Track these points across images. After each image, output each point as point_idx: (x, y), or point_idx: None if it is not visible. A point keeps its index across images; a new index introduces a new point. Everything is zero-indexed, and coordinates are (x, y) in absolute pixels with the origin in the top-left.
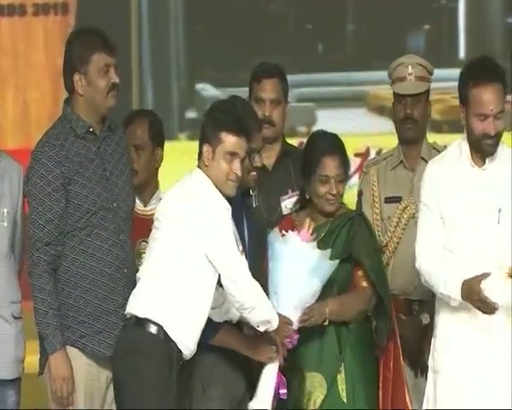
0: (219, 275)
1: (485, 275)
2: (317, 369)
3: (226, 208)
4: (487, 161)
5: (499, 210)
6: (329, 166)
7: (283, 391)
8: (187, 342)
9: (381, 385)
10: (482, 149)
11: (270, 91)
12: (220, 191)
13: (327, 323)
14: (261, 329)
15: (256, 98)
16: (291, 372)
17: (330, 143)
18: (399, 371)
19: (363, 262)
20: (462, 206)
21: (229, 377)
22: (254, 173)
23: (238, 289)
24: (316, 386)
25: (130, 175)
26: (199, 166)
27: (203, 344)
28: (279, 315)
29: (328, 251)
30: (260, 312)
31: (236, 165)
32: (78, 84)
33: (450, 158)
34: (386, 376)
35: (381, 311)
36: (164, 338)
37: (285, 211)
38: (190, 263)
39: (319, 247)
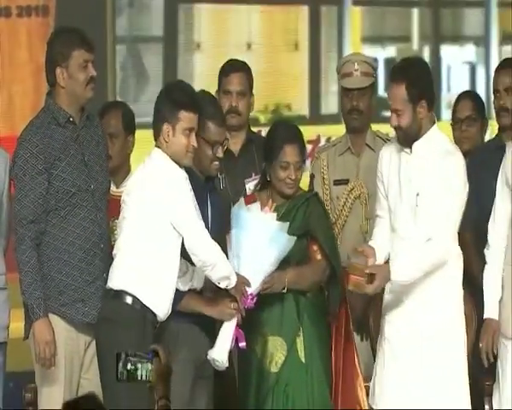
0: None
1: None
2: (278, 333)
3: (184, 177)
4: (415, 147)
5: (417, 194)
6: (290, 153)
7: (242, 344)
8: (161, 307)
9: (333, 347)
10: (397, 138)
11: (236, 84)
12: (179, 164)
13: (285, 291)
14: (222, 285)
15: (224, 90)
16: (254, 336)
17: (291, 133)
18: (350, 335)
19: (318, 237)
20: (394, 188)
21: (193, 342)
22: (217, 163)
23: (200, 248)
24: (277, 348)
25: (106, 160)
26: (157, 146)
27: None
28: (238, 275)
29: (287, 224)
30: (220, 268)
31: (193, 138)
32: (59, 77)
33: (395, 144)
34: (337, 339)
35: (333, 281)
36: (139, 308)
37: (249, 192)
38: (157, 234)
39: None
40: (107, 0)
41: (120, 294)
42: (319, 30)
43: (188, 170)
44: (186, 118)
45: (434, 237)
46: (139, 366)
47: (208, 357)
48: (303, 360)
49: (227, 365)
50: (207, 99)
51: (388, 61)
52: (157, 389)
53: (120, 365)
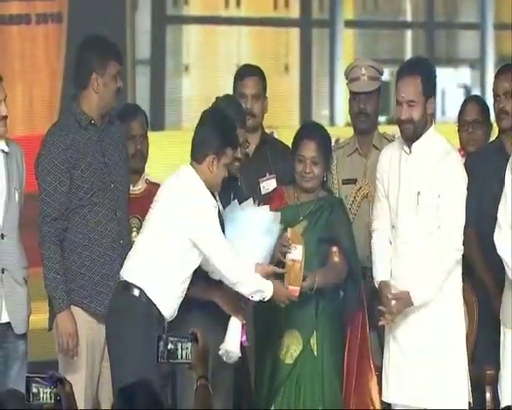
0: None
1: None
2: (295, 327)
3: (214, 206)
4: (414, 147)
5: (418, 193)
6: (306, 148)
7: (243, 338)
8: (167, 307)
9: (347, 347)
10: (401, 133)
11: (251, 87)
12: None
13: (312, 293)
14: (255, 298)
15: (239, 94)
16: (272, 328)
17: (311, 130)
18: (365, 337)
19: (342, 242)
20: (395, 187)
21: (208, 332)
22: (238, 164)
23: (227, 271)
24: (293, 342)
25: (126, 161)
26: (193, 166)
27: (186, 305)
28: (278, 287)
29: (279, 213)
30: (247, 285)
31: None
32: (94, 82)
33: (396, 145)
34: (352, 340)
35: (350, 285)
36: (146, 301)
37: (263, 191)
38: (175, 244)
39: (304, 223)
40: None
41: (129, 286)
42: (310, 52)
43: None
44: (230, 153)
45: (446, 241)
46: (179, 345)
47: (221, 352)
48: (315, 354)
49: (239, 354)
50: (230, 101)
51: (381, 85)
52: (196, 369)
53: (161, 344)
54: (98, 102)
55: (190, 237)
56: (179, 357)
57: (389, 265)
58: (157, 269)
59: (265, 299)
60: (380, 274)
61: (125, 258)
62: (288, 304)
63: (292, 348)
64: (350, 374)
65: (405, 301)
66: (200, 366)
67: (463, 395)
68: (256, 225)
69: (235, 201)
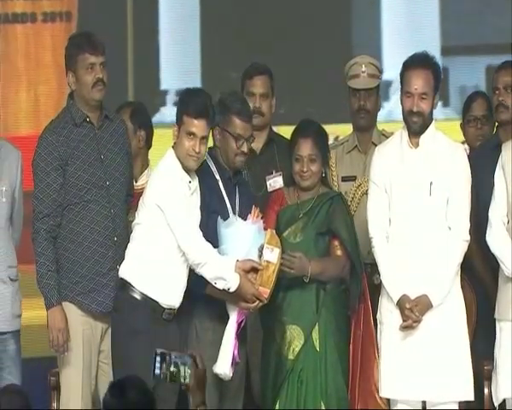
0: None
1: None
2: (296, 322)
3: (179, 179)
4: (422, 139)
5: (431, 183)
6: (302, 147)
7: (236, 353)
8: (169, 297)
9: (351, 340)
10: (409, 126)
11: (260, 86)
12: (185, 165)
13: (307, 280)
14: (218, 286)
15: (248, 92)
16: (274, 323)
17: (306, 128)
18: (369, 329)
19: (341, 234)
20: (401, 180)
21: (218, 325)
22: (241, 159)
23: (188, 247)
24: (295, 337)
25: (126, 157)
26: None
27: (197, 297)
28: (246, 283)
29: (261, 222)
30: (211, 268)
31: (194, 143)
32: (70, 81)
33: (393, 143)
34: (356, 333)
35: (353, 278)
36: (140, 298)
37: (269, 188)
38: (157, 229)
39: (304, 219)
40: (128, 4)
41: (125, 284)
42: None
43: (216, 163)
44: (188, 121)
45: (456, 230)
46: (182, 368)
47: (214, 372)
48: (318, 349)
49: (231, 375)
50: (236, 96)
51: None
52: (195, 396)
53: (164, 366)
54: (79, 99)
55: (156, 202)
56: (181, 380)
57: (399, 275)
58: (146, 260)
59: (230, 290)
60: (396, 292)
61: (119, 255)
62: (260, 304)
63: (294, 343)
64: (355, 366)
65: (426, 305)
66: (199, 393)
67: (469, 386)
68: (244, 240)
69: (219, 218)
